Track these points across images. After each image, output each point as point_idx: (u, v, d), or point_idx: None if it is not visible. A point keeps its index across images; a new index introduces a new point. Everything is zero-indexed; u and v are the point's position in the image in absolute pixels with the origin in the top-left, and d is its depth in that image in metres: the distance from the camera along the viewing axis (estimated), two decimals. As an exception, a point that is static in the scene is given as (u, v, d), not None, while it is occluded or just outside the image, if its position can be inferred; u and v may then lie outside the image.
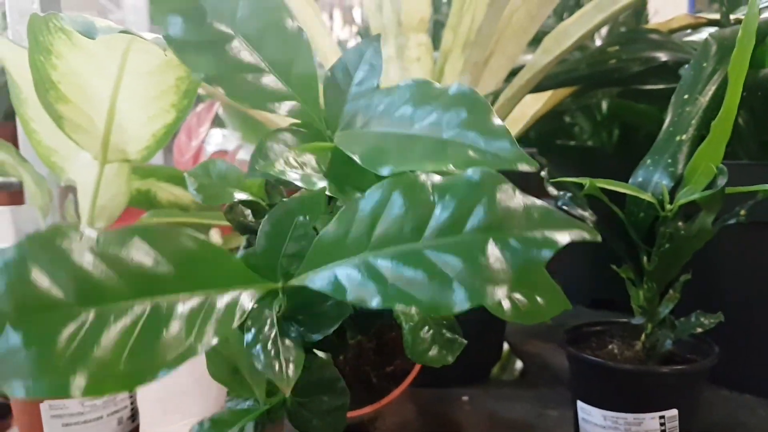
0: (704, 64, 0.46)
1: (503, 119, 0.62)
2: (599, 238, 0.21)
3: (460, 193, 0.23)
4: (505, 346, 0.69)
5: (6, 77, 1.09)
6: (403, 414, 0.53)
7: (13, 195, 0.68)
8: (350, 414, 0.35)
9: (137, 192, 0.53)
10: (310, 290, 0.25)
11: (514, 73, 0.62)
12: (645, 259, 0.42)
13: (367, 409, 0.40)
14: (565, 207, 0.44)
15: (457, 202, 0.23)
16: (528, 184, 0.26)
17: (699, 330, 0.43)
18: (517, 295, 0.32)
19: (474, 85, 0.60)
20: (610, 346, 0.46)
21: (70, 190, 0.53)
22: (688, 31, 0.71)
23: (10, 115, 1.06)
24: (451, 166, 0.25)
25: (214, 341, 0.21)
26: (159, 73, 0.41)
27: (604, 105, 0.75)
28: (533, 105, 0.65)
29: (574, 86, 0.61)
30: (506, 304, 0.32)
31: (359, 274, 0.23)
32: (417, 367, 0.42)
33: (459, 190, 0.23)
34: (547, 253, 0.21)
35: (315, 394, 0.30)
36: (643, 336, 0.44)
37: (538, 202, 0.22)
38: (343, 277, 0.23)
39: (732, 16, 0.61)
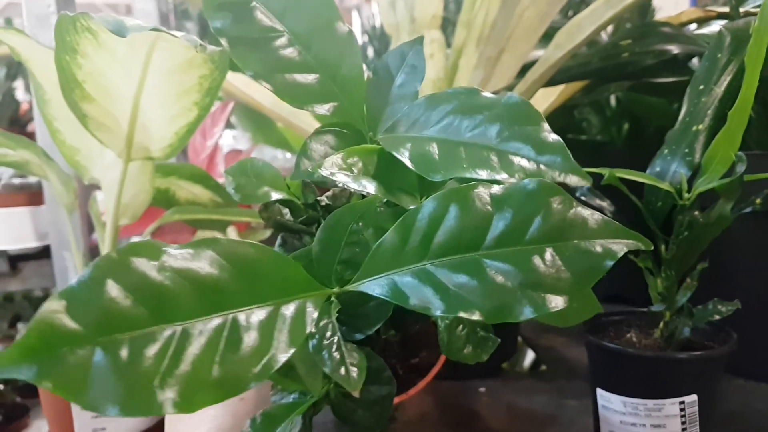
0: (719, 55, 0.47)
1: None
2: (651, 247, 0.22)
3: (518, 204, 0.23)
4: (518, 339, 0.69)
5: (9, 84, 1.09)
6: (422, 406, 0.54)
7: (32, 196, 0.68)
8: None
9: (156, 191, 0.54)
10: (355, 294, 0.26)
11: (525, 69, 0.62)
12: (663, 247, 0.43)
13: (395, 400, 0.40)
14: (583, 198, 0.45)
15: (514, 213, 0.23)
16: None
17: (716, 317, 0.43)
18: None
19: (486, 80, 0.60)
20: (628, 335, 0.46)
21: (91, 188, 0.54)
22: (693, 25, 0.72)
23: (15, 121, 1.06)
24: (504, 175, 0.25)
25: (291, 350, 0.22)
26: (182, 71, 0.42)
27: (614, 100, 0.76)
28: (545, 100, 0.65)
29: (586, 80, 0.62)
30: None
31: (419, 282, 0.23)
32: (442, 360, 0.42)
33: (516, 200, 0.23)
34: (608, 263, 0.22)
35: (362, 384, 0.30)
36: (661, 324, 0.44)
37: (596, 213, 0.23)
38: (403, 285, 0.23)
39: (741, 9, 0.61)
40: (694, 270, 0.43)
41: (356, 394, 0.24)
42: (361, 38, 1.38)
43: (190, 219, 0.51)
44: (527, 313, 0.22)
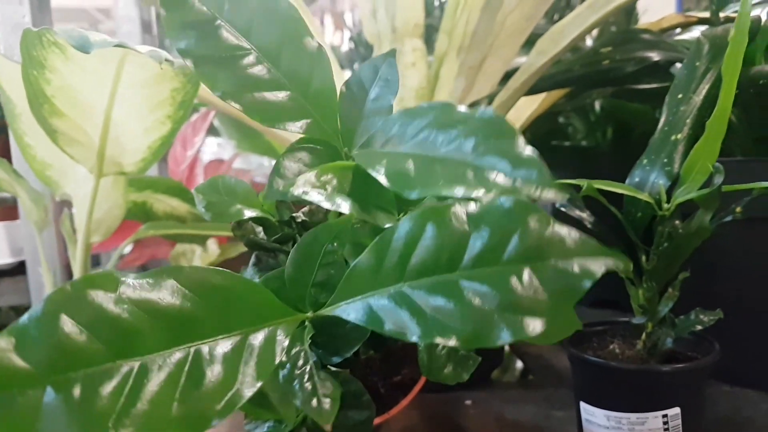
0: (697, 63, 0.46)
1: (498, 122, 0.62)
2: (631, 267, 0.21)
3: (495, 222, 0.22)
4: (506, 348, 0.69)
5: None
6: (407, 420, 0.53)
7: (7, 210, 0.67)
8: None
9: (133, 204, 0.53)
10: (331, 316, 0.25)
11: (508, 75, 0.62)
12: (644, 258, 0.42)
13: (376, 420, 0.39)
14: (563, 209, 0.44)
15: (492, 232, 0.22)
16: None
17: (699, 327, 0.43)
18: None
19: (469, 89, 0.60)
20: (611, 346, 0.46)
21: (65, 204, 0.53)
22: (677, 30, 0.71)
23: (3, 128, 1.05)
24: (481, 192, 0.24)
25: (258, 384, 0.21)
26: (154, 84, 0.41)
27: (598, 105, 0.76)
28: (528, 107, 0.65)
29: (569, 87, 0.61)
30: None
31: (395, 305, 0.22)
32: (424, 377, 0.42)
33: (493, 218, 0.22)
34: (586, 284, 0.21)
35: (340, 409, 0.29)
36: (643, 335, 0.44)
37: (573, 231, 0.22)
38: (378, 309, 0.23)
39: (722, 14, 0.61)
40: (676, 280, 0.43)
41: (328, 427, 0.23)
42: (349, 45, 1.37)
43: (167, 233, 0.50)
44: (505, 337, 0.21)
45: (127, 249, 0.61)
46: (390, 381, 0.43)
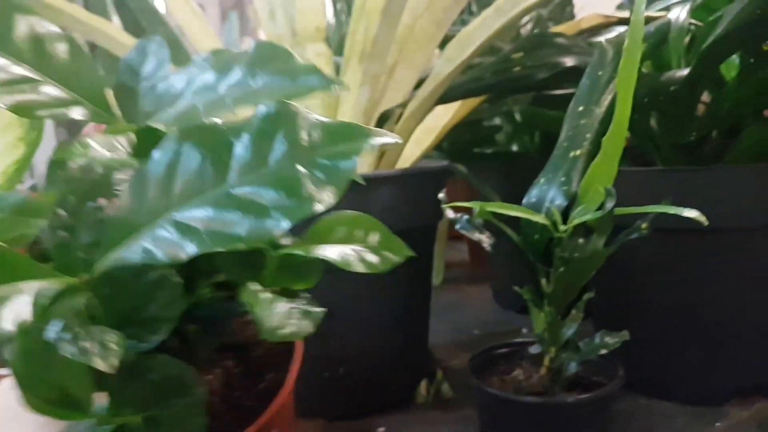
0: (600, 72, 0.44)
1: (411, 131, 0.60)
2: (401, 140, 0.23)
3: (257, 128, 0.23)
4: (438, 368, 0.66)
5: None
6: (312, 453, 0.50)
7: None
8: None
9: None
10: (129, 292, 0.24)
11: (422, 83, 0.59)
12: (544, 281, 0.40)
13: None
14: (463, 231, 0.42)
15: (255, 137, 0.23)
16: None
17: (604, 351, 0.41)
18: (368, 255, 0.33)
19: (380, 97, 0.57)
20: (516, 371, 0.43)
21: None
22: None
23: None
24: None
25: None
26: (-6, 105, 0.36)
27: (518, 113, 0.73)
28: (445, 115, 0.62)
29: (480, 95, 0.59)
30: (356, 262, 0.32)
31: (168, 234, 0.22)
32: (293, 375, 0.38)
33: (254, 126, 0.23)
34: (354, 160, 0.22)
35: (163, 399, 0.26)
36: (546, 360, 0.42)
37: (336, 121, 0.23)
38: (151, 244, 0.22)
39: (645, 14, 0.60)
40: (580, 301, 0.41)
41: (112, 370, 0.21)
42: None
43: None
44: (284, 225, 0.21)
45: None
46: (254, 392, 0.40)
